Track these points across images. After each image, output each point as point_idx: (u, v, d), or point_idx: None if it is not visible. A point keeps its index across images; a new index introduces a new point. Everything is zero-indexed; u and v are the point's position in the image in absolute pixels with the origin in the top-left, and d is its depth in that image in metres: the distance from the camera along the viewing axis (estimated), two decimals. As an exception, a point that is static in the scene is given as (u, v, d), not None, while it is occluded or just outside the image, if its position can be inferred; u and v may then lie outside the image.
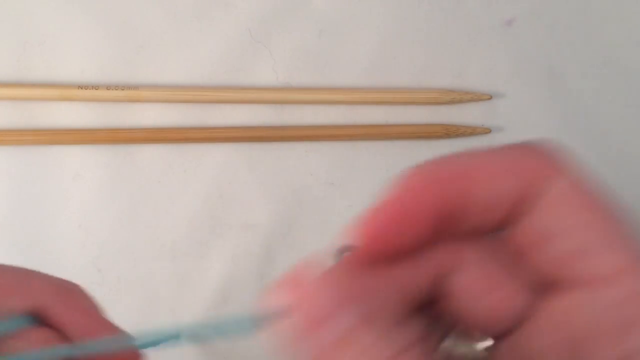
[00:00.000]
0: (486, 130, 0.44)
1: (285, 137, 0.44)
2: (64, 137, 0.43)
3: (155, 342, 0.19)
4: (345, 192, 0.44)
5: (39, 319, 0.20)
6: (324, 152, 0.44)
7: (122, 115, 0.44)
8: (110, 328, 0.22)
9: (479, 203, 0.17)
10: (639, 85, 0.45)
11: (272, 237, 0.44)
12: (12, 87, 0.43)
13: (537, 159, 0.18)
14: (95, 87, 0.43)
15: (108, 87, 0.43)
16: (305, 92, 0.44)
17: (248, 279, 0.44)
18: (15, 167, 0.44)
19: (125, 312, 0.43)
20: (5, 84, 0.43)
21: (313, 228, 0.44)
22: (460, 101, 0.44)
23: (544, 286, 0.17)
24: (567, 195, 0.17)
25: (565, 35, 0.45)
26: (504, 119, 0.44)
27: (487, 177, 0.17)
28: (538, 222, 0.17)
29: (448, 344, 0.19)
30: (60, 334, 0.21)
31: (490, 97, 0.44)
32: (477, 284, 0.17)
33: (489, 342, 0.18)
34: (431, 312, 0.18)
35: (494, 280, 0.17)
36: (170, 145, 0.44)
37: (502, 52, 0.45)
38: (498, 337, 0.18)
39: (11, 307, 0.20)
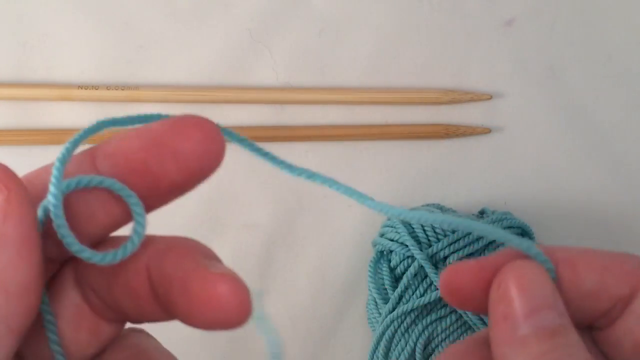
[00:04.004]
0: (486, 130, 0.44)
1: (285, 137, 0.44)
2: (64, 137, 0.43)
3: None
4: (345, 192, 0.44)
5: None
6: (324, 152, 0.44)
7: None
8: None
9: (587, 291, 0.19)
10: (639, 86, 0.45)
11: (272, 237, 0.44)
12: (12, 87, 0.43)
13: (634, 264, 0.20)
14: (95, 87, 0.43)
15: (108, 87, 0.43)
16: (305, 92, 0.44)
17: (248, 279, 0.43)
18: (15, 167, 0.43)
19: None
20: (5, 84, 0.43)
21: (313, 228, 0.44)
22: (460, 101, 0.44)
23: None
24: None
25: (565, 35, 0.45)
26: (504, 119, 0.44)
27: (598, 270, 0.19)
28: (638, 321, 0.19)
29: None
30: None
31: (490, 97, 0.44)
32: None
33: None
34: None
35: None
36: (170, 145, 0.44)
37: (502, 52, 0.45)
38: None
39: None
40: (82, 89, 0.43)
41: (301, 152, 0.44)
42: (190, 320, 0.17)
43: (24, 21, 0.44)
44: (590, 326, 0.20)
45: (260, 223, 0.44)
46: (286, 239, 0.44)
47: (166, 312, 0.18)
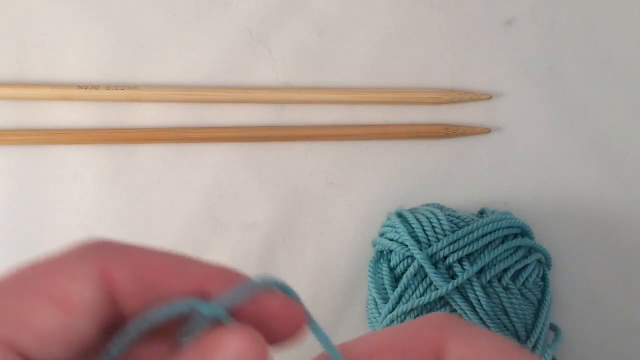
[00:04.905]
0: (486, 130, 0.44)
1: (285, 137, 0.44)
2: (64, 137, 0.43)
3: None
4: (345, 192, 0.44)
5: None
6: (324, 152, 0.44)
7: (122, 115, 0.44)
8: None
9: None
10: (639, 86, 0.45)
11: (272, 237, 0.44)
12: (12, 87, 0.43)
13: (434, 330, 0.20)
14: (95, 87, 0.43)
15: (108, 87, 0.43)
16: (305, 92, 0.44)
17: (248, 279, 0.44)
18: (15, 167, 0.44)
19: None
20: (5, 84, 0.43)
21: (313, 228, 0.44)
22: (460, 101, 0.44)
23: None
24: (465, 355, 0.19)
25: (565, 35, 0.45)
26: (504, 119, 0.44)
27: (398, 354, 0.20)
28: None
29: None
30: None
31: (490, 97, 0.44)
32: None
33: None
34: None
35: None
36: (170, 145, 0.44)
37: (502, 52, 0.45)
38: None
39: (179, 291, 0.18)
40: (82, 89, 0.43)
41: (301, 152, 0.44)
42: None
43: (24, 21, 0.44)
44: None
45: (260, 223, 0.44)
46: (286, 239, 0.44)
47: None
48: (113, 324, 0.18)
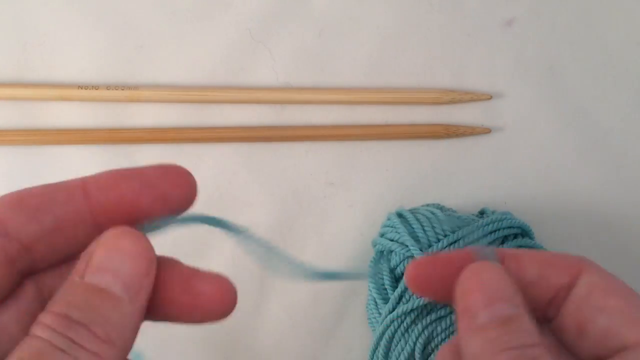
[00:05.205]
0: (486, 130, 0.44)
1: (285, 137, 0.44)
2: (64, 137, 0.43)
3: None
4: (345, 192, 0.44)
5: None
6: (324, 152, 0.44)
7: (122, 115, 0.44)
8: None
9: (530, 280, 0.22)
10: (639, 85, 0.45)
11: (272, 237, 0.44)
12: (12, 87, 0.43)
13: (575, 258, 0.23)
14: (95, 87, 0.43)
15: (108, 87, 0.43)
16: (305, 92, 0.44)
17: (248, 279, 0.44)
18: (15, 167, 0.43)
19: (125, 312, 0.43)
20: (5, 84, 0.43)
21: (313, 228, 0.44)
22: (460, 101, 0.44)
23: None
24: (597, 284, 0.22)
25: (565, 35, 0.45)
26: (504, 119, 0.44)
27: (539, 263, 0.22)
28: (578, 307, 0.22)
29: None
30: None
31: (490, 97, 0.44)
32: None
33: None
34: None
35: None
36: (170, 145, 0.44)
37: (502, 52, 0.45)
38: None
39: None
40: (82, 89, 0.43)
41: (301, 152, 0.44)
42: (182, 315, 0.21)
43: (24, 21, 0.44)
44: (547, 319, 0.23)
45: (260, 223, 0.44)
46: (286, 239, 0.44)
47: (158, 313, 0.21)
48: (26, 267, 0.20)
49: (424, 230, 0.38)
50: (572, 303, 0.22)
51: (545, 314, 0.22)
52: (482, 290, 0.20)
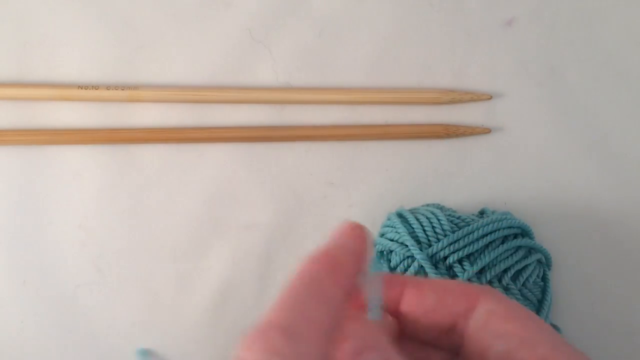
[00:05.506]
0: (486, 130, 0.44)
1: (285, 137, 0.44)
2: (64, 137, 0.43)
3: None
4: (345, 192, 0.44)
5: None
6: (324, 152, 0.44)
7: (122, 115, 0.44)
8: None
9: (430, 307, 0.24)
10: (639, 85, 0.45)
11: (272, 237, 0.44)
12: (12, 87, 0.43)
13: (470, 288, 0.24)
14: (95, 87, 0.43)
15: (108, 87, 0.43)
16: (305, 92, 0.44)
17: (248, 279, 0.44)
18: (15, 167, 0.44)
19: (125, 312, 0.43)
20: (5, 84, 0.43)
21: (313, 228, 0.44)
22: (460, 101, 0.44)
23: None
24: (495, 311, 0.23)
25: (565, 35, 0.45)
26: (504, 119, 0.44)
27: (438, 291, 0.24)
28: (478, 333, 0.22)
29: None
30: None
31: (490, 97, 0.44)
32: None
33: None
34: None
35: None
36: (170, 145, 0.44)
37: (502, 52, 0.45)
38: None
39: None
40: (82, 89, 0.43)
41: (301, 152, 0.44)
42: None
43: (24, 21, 0.44)
44: (455, 347, 0.24)
45: (260, 223, 0.44)
46: (286, 239, 0.44)
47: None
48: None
49: (424, 230, 0.38)
50: (473, 330, 0.23)
51: (451, 341, 0.23)
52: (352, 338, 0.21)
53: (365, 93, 0.44)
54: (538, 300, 0.39)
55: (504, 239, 0.38)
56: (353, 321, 0.22)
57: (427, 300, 0.23)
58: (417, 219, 0.38)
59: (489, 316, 0.22)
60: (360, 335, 0.21)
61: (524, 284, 0.38)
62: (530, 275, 0.38)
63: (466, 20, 0.45)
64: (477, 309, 0.23)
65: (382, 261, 0.40)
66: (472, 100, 0.44)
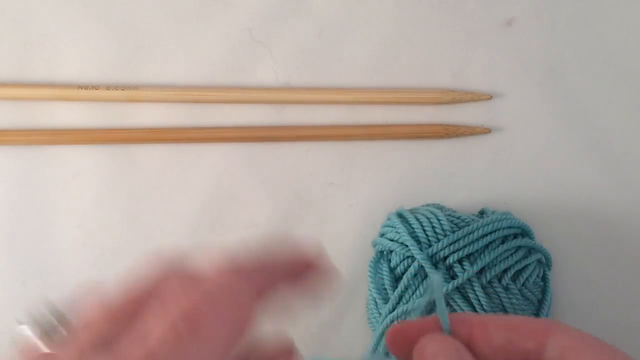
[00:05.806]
0: (486, 130, 0.44)
1: (285, 137, 0.44)
2: (64, 137, 0.43)
3: None
4: (345, 192, 0.44)
5: None
6: (324, 152, 0.44)
7: (122, 116, 0.44)
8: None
9: (498, 346, 0.23)
10: (639, 85, 0.45)
11: (272, 237, 0.44)
12: (12, 87, 0.43)
13: (541, 322, 0.23)
14: (95, 87, 0.43)
15: (108, 87, 0.43)
16: (305, 92, 0.44)
17: (248, 279, 0.44)
18: (15, 167, 0.44)
19: (125, 312, 0.43)
20: (5, 84, 0.43)
21: (313, 228, 0.44)
22: (460, 101, 0.44)
23: None
24: (568, 346, 0.22)
25: (565, 35, 0.45)
26: (504, 119, 0.44)
27: (506, 329, 0.23)
28: None
29: None
30: None
31: (490, 97, 0.44)
32: None
33: None
34: None
35: None
36: (170, 145, 0.44)
37: (502, 52, 0.45)
38: None
39: None
40: (82, 89, 0.43)
41: (301, 152, 0.44)
42: None
43: (24, 21, 0.44)
44: None
45: (260, 223, 0.44)
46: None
47: None
48: None
49: (424, 230, 0.38)
50: None
51: None
52: None
53: (366, 93, 0.44)
54: (538, 300, 0.39)
55: (504, 239, 0.38)
56: (428, 343, 0.22)
57: (495, 340, 0.23)
58: (417, 219, 0.38)
59: (563, 352, 0.22)
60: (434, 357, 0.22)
61: (524, 284, 0.38)
62: (530, 275, 0.38)
63: (466, 20, 0.45)
64: (549, 345, 0.22)
65: (382, 261, 0.40)
66: (472, 100, 0.44)
